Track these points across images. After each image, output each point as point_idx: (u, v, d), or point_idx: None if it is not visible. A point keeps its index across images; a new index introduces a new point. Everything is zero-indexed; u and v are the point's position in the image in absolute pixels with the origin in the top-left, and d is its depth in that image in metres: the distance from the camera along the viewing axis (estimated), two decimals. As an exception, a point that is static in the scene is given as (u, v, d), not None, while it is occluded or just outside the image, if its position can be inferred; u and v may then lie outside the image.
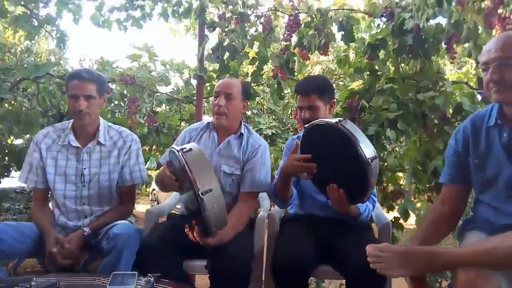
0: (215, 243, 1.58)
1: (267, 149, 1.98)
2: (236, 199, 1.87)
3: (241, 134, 1.94)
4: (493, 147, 1.35)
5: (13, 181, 4.35)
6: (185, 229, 1.61)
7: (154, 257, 1.60)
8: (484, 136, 1.38)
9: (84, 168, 1.85)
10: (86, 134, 1.88)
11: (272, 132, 5.56)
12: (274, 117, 5.76)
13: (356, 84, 2.95)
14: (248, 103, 1.97)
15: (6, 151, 2.99)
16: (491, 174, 1.35)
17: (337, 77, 7.00)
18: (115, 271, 1.36)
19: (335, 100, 1.96)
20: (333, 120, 1.48)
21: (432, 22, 2.61)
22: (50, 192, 1.91)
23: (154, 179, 2.16)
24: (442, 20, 2.62)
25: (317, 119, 1.66)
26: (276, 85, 2.88)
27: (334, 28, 2.74)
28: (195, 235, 1.58)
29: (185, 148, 1.49)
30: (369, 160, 1.39)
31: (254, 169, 1.87)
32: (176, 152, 1.49)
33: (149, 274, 1.28)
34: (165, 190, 1.77)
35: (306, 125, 1.61)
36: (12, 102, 3.21)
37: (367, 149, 1.41)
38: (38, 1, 3.07)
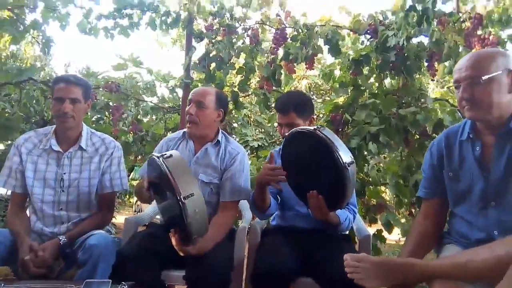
0: (195, 252, 1.55)
1: (246, 156, 1.95)
2: (215, 208, 1.85)
3: (218, 142, 1.91)
4: (466, 160, 1.37)
5: (-9, 188, 4.25)
6: (170, 234, 1.59)
7: (131, 267, 1.55)
8: (457, 150, 1.41)
9: (64, 173, 1.82)
10: (68, 139, 1.86)
11: (258, 144, 5.59)
12: (260, 130, 5.79)
13: (341, 99, 3.00)
14: (222, 112, 1.93)
15: (-15, 156, 2.91)
16: (465, 187, 1.37)
17: (324, 92, 7.11)
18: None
19: (314, 116, 1.99)
20: (311, 127, 1.51)
21: (415, 40, 2.70)
22: (28, 198, 1.87)
23: (134, 190, 2.12)
24: (424, 39, 2.71)
25: None
26: (262, 96, 2.90)
27: (320, 42, 2.80)
28: (174, 243, 1.55)
29: (165, 154, 1.48)
30: (346, 165, 1.41)
31: (233, 177, 1.84)
32: (157, 159, 1.48)
33: (122, 283, 1.25)
34: (143, 201, 1.75)
35: (286, 134, 1.65)
36: (-7, 106, 3.15)
37: (344, 155, 1.43)
38: (24, 7, 3.05)
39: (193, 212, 1.40)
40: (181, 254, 1.57)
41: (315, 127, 1.50)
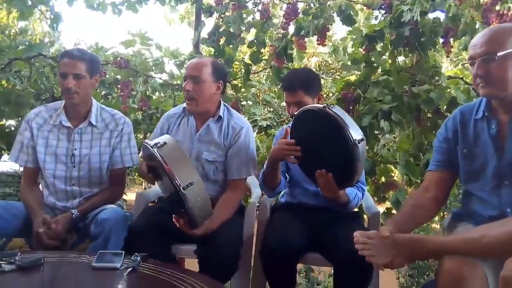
0: (202, 233, 1.56)
1: (250, 130, 1.89)
2: (222, 186, 1.83)
3: (220, 117, 1.83)
4: (481, 138, 1.35)
5: (4, 164, 4.32)
6: (173, 219, 1.59)
7: (142, 241, 1.58)
8: (472, 127, 1.38)
9: (75, 149, 1.83)
10: (78, 114, 1.86)
11: (267, 124, 5.55)
12: (269, 109, 5.75)
13: (352, 77, 2.94)
14: (221, 84, 1.81)
15: (-4, 132, 2.94)
16: (479, 164, 1.35)
17: (334, 70, 7.00)
18: (102, 253, 1.34)
19: (321, 92, 1.94)
20: (321, 105, 1.51)
21: (431, 16, 2.62)
22: (40, 172, 1.89)
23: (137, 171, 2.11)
24: (440, 15, 2.63)
25: None
26: (273, 70, 2.84)
27: (333, 15, 2.71)
28: (181, 227, 1.56)
29: (158, 142, 1.42)
30: (356, 142, 1.40)
31: (239, 154, 1.80)
32: (151, 148, 1.41)
33: (135, 253, 1.27)
34: (148, 181, 1.75)
35: (295, 113, 1.63)
36: (3, 82, 3.16)
37: (355, 132, 1.42)
38: (32, -19, 3.02)
39: (195, 200, 1.37)
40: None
41: (324, 105, 1.50)
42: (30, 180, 1.89)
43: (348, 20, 2.71)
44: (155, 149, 1.39)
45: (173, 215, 1.58)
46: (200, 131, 1.83)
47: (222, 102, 1.89)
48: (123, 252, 1.31)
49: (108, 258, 1.27)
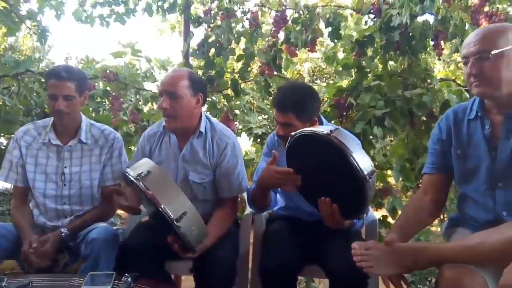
0: (199, 252, 1.49)
1: (236, 143, 1.78)
2: (213, 204, 1.77)
3: (201, 133, 1.73)
4: (474, 139, 1.34)
5: (-5, 182, 4.27)
6: (167, 240, 1.48)
7: (134, 259, 1.54)
8: (465, 128, 1.37)
9: (65, 167, 1.80)
10: (67, 132, 1.83)
11: (262, 131, 5.53)
12: (263, 116, 5.73)
13: (345, 82, 2.93)
14: (201, 96, 1.69)
15: (-14, 150, 2.90)
16: (472, 165, 1.34)
17: (328, 75, 7.01)
18: (92, 274, 1.30)
19: (317, 118, 1.68)
20: (324, 131, 1.31)
21: (420, 19, 2.62)
22: (30, 191, 1.85)
23: None
24: (429, 17, 2.63)
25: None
26: (263, 82, 2.84)
27: (322, 24, 2.72)
28: (176, 250, 1.46)
29: (142, 172, 1.32)
30: (367, 177, 1.24)
31: (228, 173, 1.71)
32: (135, 181, 1.31)
33: (126, 274, 1.23)
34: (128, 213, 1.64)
35: (292, 133, 1.42)
36: (-8, 99, 3.13)
37: (364, 163, 1.25)
38: (19, -4, 3.00)
39: (190, 230, 1.31)
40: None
41: (329, 130, 1.29)
42: (20, 200, 1.86)
43: (335, 34, 2.71)
44: (140, 183, 1.29)
45: (168, 237, 1.47)
46: (183, 151, 1.74)
47: (203, 115, 1.78)
48: (114, 273, 1.28)
49: (98, 280, 1.23)
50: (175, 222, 1.26)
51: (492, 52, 1.21)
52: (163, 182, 1.33)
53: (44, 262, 1.59)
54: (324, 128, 1.34)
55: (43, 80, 3.11)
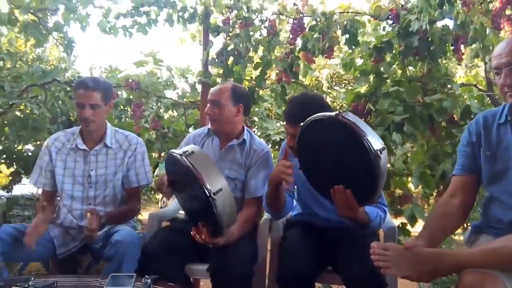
0: (224, 242, 1.56)
1: (270, 154, 1.97)
2: (239, 204, 1.83)
3: (244, 140, 1.93)
4: (504, 141, 1.37)
5: (23, 188, 4.42)
6: (192, 232, 1.57)
7: (155, 262, 1.59)
8: (495, 131, 1.40)
9: (91, 170, 1.90)
10: (94, 137, 1.94)
11: (280, 138, 5.53)
12: (282, 123, 5.73)
13: (363, 88, 2.92)
14: (242, 106, 1.91)
15: (14, 156, 3.02)
16: (501, 167, 1.36)
17: (347, 81, 6.97)
18: (115, 276, 1.34)
19: None
20: (333, 113, 1.32)
21: (439, 24, 2.59)
22: (57, 194, 1.96)
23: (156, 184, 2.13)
24: (449, 22, 2.60)
25: None
26: (280, 90, 2.86)
27: (338, 33, 2.73)
28: (203, 237, 1.54)
29: (187, 151, 1.45)
30: (378, 152, 1.22)
31: (258, 174, 1.86)
32: (178, 156, 1.44)
33: (146, 276, 1.26)
34: (165, 196, 1.76)
35: (302, 123, 1.43)
36: (21, 108, 3.26)
37: (375, 140, 1.24)
38: (47, 9, 3.13)
39: (223, 206, 1.39)
40: (210, 246, 1.57)
41: (337, 112, 1.31)
42: (46, 202, 1.94)
43: (353, 40, 2.71)
44: (184, 157, 1.42)
45: (193, 228, 1.56)
46: (222, 150, 1.93)
47: (245, 127, 1.99)
48: (134, 274, 1.32)
49: (120, 281, 1.27)
50: (212, 195, 1.35)
51: None
52: (205, 160, 1.45)
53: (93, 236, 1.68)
54: (332, 112, 1.35)
55: (68, 89, 3.24)
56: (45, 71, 2.90)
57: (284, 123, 1.78)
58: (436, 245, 1.36)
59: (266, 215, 2.08)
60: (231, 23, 2.87)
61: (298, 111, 1.62)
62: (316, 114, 1.38)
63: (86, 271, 1.75)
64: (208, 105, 1.90)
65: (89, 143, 1.93)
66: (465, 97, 2.58)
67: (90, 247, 1.81)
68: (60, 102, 3.51)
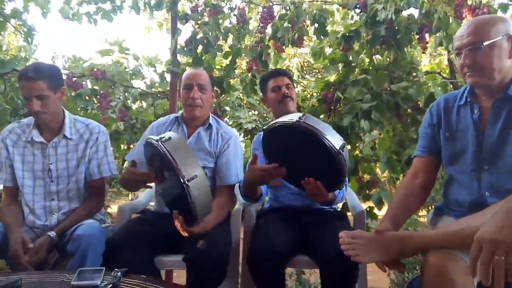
0: (200, 230, 1.55)
1: (238, 139, 1.98)
2: (212, 192, 1.84)
3: (210, 126, 1.92)
4: (463, 122, 1.40)
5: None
6: (175, 223, 1.55)
7: (122, 253, 1.55)
8: (455, 112, 1.44)
9: (51, 163, 1.80)
10: (51, 129, 1.82)
11: (252, 126, 5.53)
12: (253, 111, 5.73)
13: (332, 77, 2.95)
14: (214, 93, 1.98)
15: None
16: (460, 147, 1.40)
17: (316, 70, 7.04)
18: (81, 270, 1.30)
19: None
20: (294, 118, 1.42)
21: (404, 13, 2.65)
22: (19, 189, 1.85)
23: (119, 180, 2.05)
24: (414, 11, 2.67)
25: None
26: (250, 78, 2.85)
27: (308, 22, 2.73)
28: (178, 225, 1.53)
29: (163, 137, 1.45)
30: (340, 151, 1.37)
31: (228, 162, 1.85)
32: (155, 142, 1.43)
33: (115, 269, 1.23)
34: (130, 189, 1.73)
35: (265, 128, 1.55)
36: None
37: (335, 139, 1.38)
38: (3, -5, 2.96)
39: (198, 193, 1.39)
40: (185, 235, 1.55)
41: (298, 118, 1.40)
42: (9, 199, 1.86)
43: (321, 30, 2.73)
44: (160, 143, 1.41)
45: (173, 212, 1.55)
46: (190, 139, 1.89)
47: (211, 114, 1.98)
48: (104, 268, 1.28)
49: (88, 275, 1.23)
50: (186, 182, 1.35)
51: (484, 43, 1.27)
52: (181, 147, 1.45)
53: (33, 266, 1.60)
54: (293, 116, 1.44)
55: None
56: (3, 61, 2.74)
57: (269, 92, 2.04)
58: (401, 225, 1.41)
59: (238, 204, 2.08)
60: (199, 11, 2.81)
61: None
62: (278, 120, 1.49)
63: (52, 267, 1.69)
64: (193, 89, 1.85)
65: (46, 134, 1.81)
66: (429, 84, 2.66)
67: (57, 244, 1.73)
68: (19, 93, 3.34)
